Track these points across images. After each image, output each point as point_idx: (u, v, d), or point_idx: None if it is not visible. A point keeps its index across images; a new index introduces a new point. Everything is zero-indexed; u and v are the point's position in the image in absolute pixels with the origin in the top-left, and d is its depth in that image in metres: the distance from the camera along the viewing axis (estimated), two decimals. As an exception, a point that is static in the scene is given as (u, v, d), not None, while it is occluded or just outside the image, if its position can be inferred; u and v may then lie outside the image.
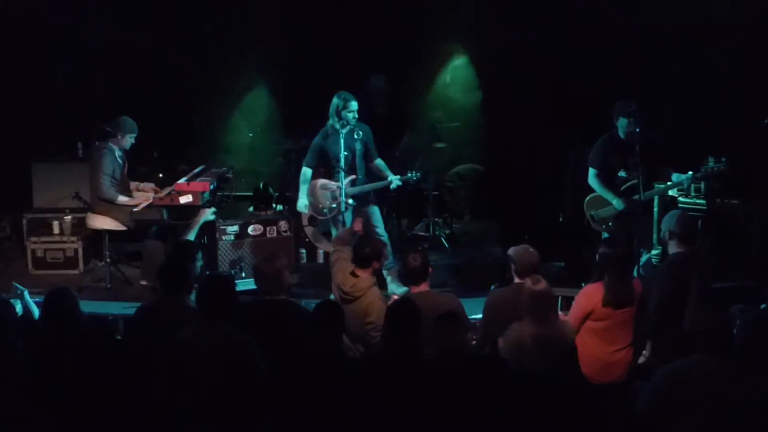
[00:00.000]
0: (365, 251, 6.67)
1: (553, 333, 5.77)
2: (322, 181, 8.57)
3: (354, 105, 8.26)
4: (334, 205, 8.41)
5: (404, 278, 6.54)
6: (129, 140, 8.75)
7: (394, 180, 8.44)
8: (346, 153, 8.25)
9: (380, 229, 8.55)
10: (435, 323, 5.51)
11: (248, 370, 5.34)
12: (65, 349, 5.64)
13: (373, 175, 8.57)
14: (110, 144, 8.72)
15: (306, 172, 8.53)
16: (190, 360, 5.31)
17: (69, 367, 5.49)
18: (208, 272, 7.91)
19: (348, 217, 8.36)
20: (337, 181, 8.30)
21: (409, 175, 8.47)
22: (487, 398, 5.26)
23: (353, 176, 8.44)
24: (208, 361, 5.28)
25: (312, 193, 8.57)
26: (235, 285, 5.83)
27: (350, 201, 8.34)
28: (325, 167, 8.53)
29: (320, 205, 8.56)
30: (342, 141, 8.20)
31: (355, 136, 8.37)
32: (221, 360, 5.30)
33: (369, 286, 6.56)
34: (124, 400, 5.43)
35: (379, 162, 8.62)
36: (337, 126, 8.24)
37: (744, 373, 4.98)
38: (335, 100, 8.30)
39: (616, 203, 8.13)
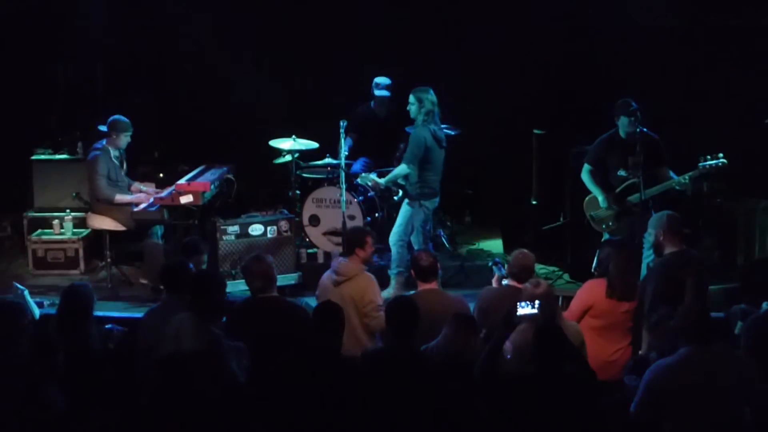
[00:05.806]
0: (348, 237, 7.01)
1: None
2: None
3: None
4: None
5: (415, 275, 6.60)
6: (124, 139, 8.74)
7: None
8: None
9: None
10: (449, 323, 5.55)
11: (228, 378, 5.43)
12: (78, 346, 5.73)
13: None
14: (105, 145, 8.71)
15: None
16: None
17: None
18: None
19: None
20: None
21: None
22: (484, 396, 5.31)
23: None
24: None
25: None
26: (225, 285, 5.97)
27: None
28: None
29: None
30: None
31: None
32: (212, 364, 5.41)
33: (361, 269, 6.72)
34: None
35: None
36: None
37: (727, 361, 5.12)
38: None
39: (602, 200, 8.13)
